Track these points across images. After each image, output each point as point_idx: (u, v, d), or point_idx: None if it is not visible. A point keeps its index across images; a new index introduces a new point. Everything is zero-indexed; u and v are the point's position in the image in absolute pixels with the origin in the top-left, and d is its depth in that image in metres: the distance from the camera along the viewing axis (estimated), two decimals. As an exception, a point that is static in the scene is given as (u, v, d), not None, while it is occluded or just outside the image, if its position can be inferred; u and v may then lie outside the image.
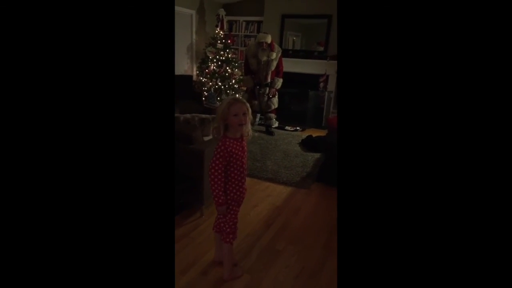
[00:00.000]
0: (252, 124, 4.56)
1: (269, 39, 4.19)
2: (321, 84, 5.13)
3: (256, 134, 4.43)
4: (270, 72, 4.33)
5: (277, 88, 4.45)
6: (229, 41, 5.32)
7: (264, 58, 4.20)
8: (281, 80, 4.43)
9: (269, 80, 4.39)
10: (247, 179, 1.63)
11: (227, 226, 1.59)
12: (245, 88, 4.69)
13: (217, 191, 1.46)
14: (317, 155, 3.75)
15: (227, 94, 5.23)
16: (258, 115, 4.91)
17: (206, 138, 2.56)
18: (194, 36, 5.60)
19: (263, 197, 2.68)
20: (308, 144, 4.05)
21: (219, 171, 1.44)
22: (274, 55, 4.22)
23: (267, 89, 4.44)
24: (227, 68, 5.23)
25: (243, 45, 5.99)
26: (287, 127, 5.01)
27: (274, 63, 4.29)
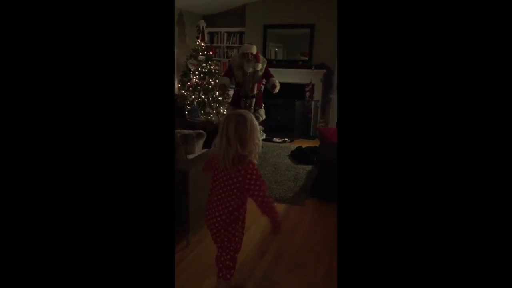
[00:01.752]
0: None
1: (254, 50, 4.04)
2: (307, 94, 5.03)
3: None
4: (256, 83, 4.18)
5: (277, 86, 4.08)
6: (210, 53, 5.16)
7: (250, 70, 4.03)
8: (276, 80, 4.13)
9: (255, 92, 4.23)
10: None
11: (230, 258, 1.43)
12: (229, 100, 4.50)
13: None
14: (308, 168, 3.58)
15: (211, 107, 5.04)
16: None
17: (190, 157, 2.34)
18: (174, 49, 5.42)
19: (255, 218, 2.46)
20: (298, 156, 3.88)
21: None
22: (259, 66, 4.06)
23: (254, 100, 4.28)
24: (210, 80, 5.05)
25: (225, 56, 5.84)
26: (275, 139, 4.85)
27: (260, 74, 4.14)
